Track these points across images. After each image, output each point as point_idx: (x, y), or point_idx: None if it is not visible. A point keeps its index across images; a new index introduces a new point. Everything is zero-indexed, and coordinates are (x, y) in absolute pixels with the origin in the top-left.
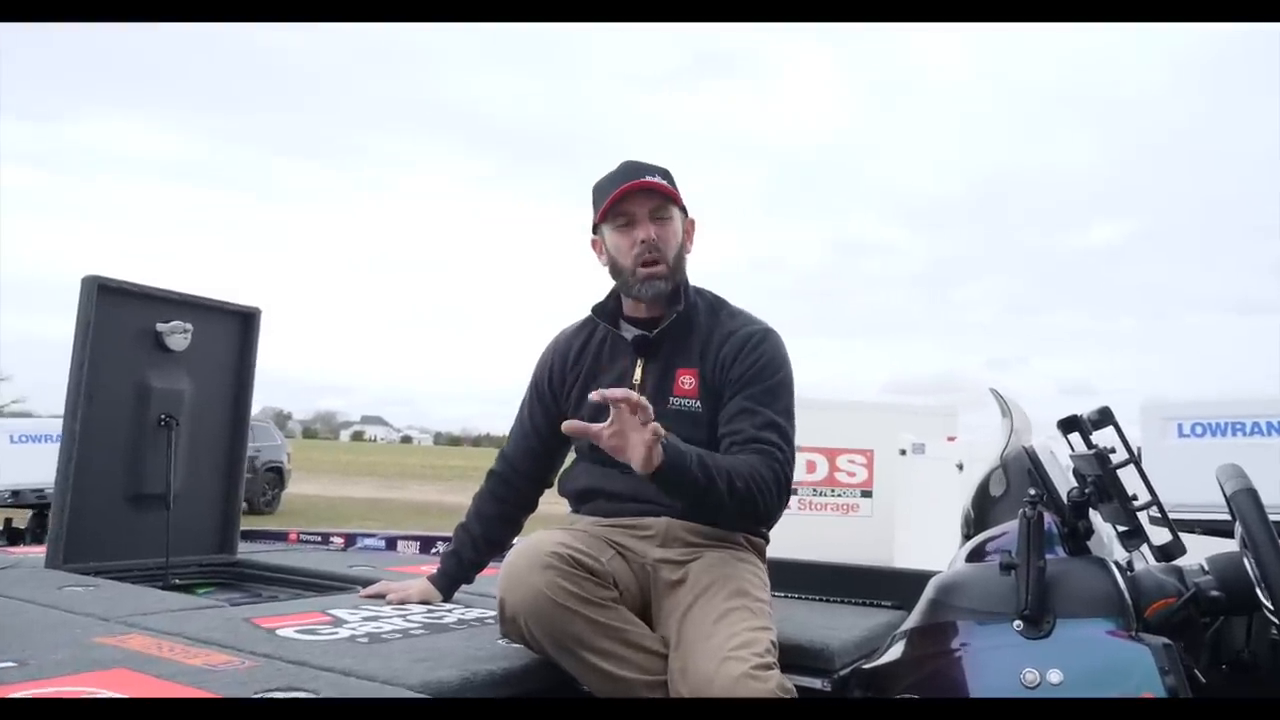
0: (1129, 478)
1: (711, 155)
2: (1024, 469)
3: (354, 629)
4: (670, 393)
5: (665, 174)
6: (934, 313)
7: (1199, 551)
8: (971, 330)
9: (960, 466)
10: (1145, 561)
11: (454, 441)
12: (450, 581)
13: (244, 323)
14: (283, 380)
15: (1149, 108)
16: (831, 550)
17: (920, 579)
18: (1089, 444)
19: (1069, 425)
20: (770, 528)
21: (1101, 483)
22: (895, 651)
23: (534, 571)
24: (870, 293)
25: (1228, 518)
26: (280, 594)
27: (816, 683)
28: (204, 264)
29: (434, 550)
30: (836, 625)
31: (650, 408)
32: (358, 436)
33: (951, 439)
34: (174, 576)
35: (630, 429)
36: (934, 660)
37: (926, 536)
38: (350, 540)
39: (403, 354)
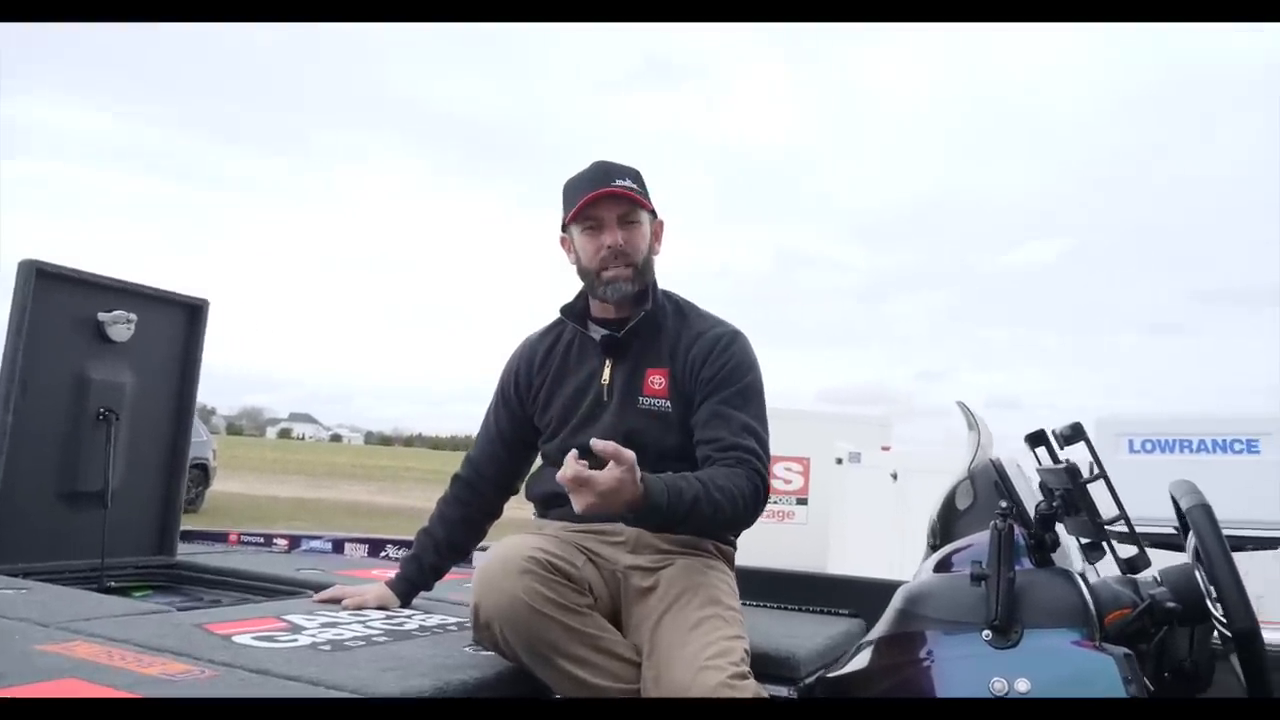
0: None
1: (661, 159)
2: (991, 481)
3: (313, 636)
4: (640, 392)
5: (636, 176)
6: (869, 325)
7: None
8: (905, 342)
9: (895, 476)
10: (1096, 574)
11: (385, 441)
12: (409, 586)
13: (191, 315)
14: (208, 373)
15: (1084, 135)
16: (766, 557)
17: (877, 588)
18: (1055, 459)
19: (1036, 440)
20: (737, 534)
21: (1070, 496)
22: (861, 660)
23: (510, 576)
24: (809, 303)
25: (1173, 531)
26: (223, 598)
27: (782, 690)
28: (136, 251)
29: (383, 554)
30: (798, 633)
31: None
32: (285, 434)
33: (886, 449)
34: (109, 579)
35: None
36: (903, 669)
37: (861, 544)
38: (295, 542)
39: (337, 350)
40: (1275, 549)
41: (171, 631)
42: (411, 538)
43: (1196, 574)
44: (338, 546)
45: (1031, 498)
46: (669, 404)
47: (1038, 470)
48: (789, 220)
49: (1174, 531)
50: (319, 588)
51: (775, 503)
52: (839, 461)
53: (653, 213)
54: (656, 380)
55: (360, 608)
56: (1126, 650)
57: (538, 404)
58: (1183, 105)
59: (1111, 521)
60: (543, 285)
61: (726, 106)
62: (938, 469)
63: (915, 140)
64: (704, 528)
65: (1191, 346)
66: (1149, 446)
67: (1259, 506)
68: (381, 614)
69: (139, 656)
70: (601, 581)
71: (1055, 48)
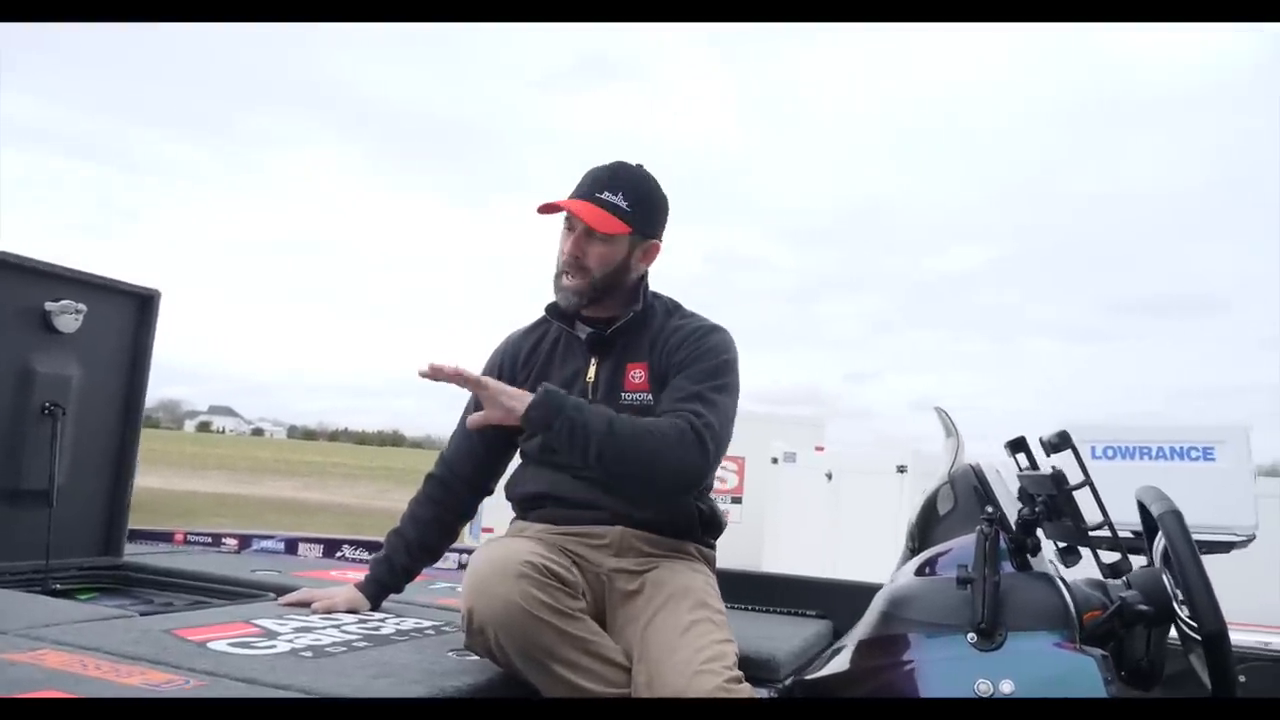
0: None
1: (594, 156)
2: (970, 486)
3: (291, 641)
4: (622, 388)
5: (634, 193)
6: (800, 327)
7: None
8: (834, 345)
9: (829, 476)
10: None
11: (309, 436)
12: (380, 588)
13: (141, 305)
14: None
15: (1010, 145)
16: None
17: (843, 589)
18: (1034, 464)
19: (1016, 446)
20: (708, 526)
21: (1054, 502)
22: (842, 662)
23: (505, 581)
24: (741, 305)
25: (1132, 535)
26: (175, 601)
27: (762, 692)
28: (49, 235)
29: (339, 554)
30: (774, 635)
31: (469, 375)
32: (204, 427)
33: (820, 449)
34: (54, 581)
35: (489, 404)
36: (886, 671)
37: (796, 543)
38: (245, 542)
39: (260, 342)
40: (1229, 552)
41: (141, 638)
42: (359, 537)
43: (1164, 577)
44: (291, 547)
45: (1009, 502)
46: (650, 396)
47: (1018, 476)
48: (722, 221)
49: (1133, 535)
50: (278, 589)
51: None
52: (774, 461)
53: (646, 234)
54: (637, 374)
55: (330, 611)
56: (1103, 652)
57: None
58: (1103, 119)
59: (1097, 527)
60: (475, 280)
61: (662, 106)
62: (870, 469)
63: (847, 145)
64: (609, 450)
65: (1106, 353)
66: (1110, 453)
67: (1215, 512)
68: (353, 618)
69: (115, 666)
70: (586, 584)
71: (984, 58)
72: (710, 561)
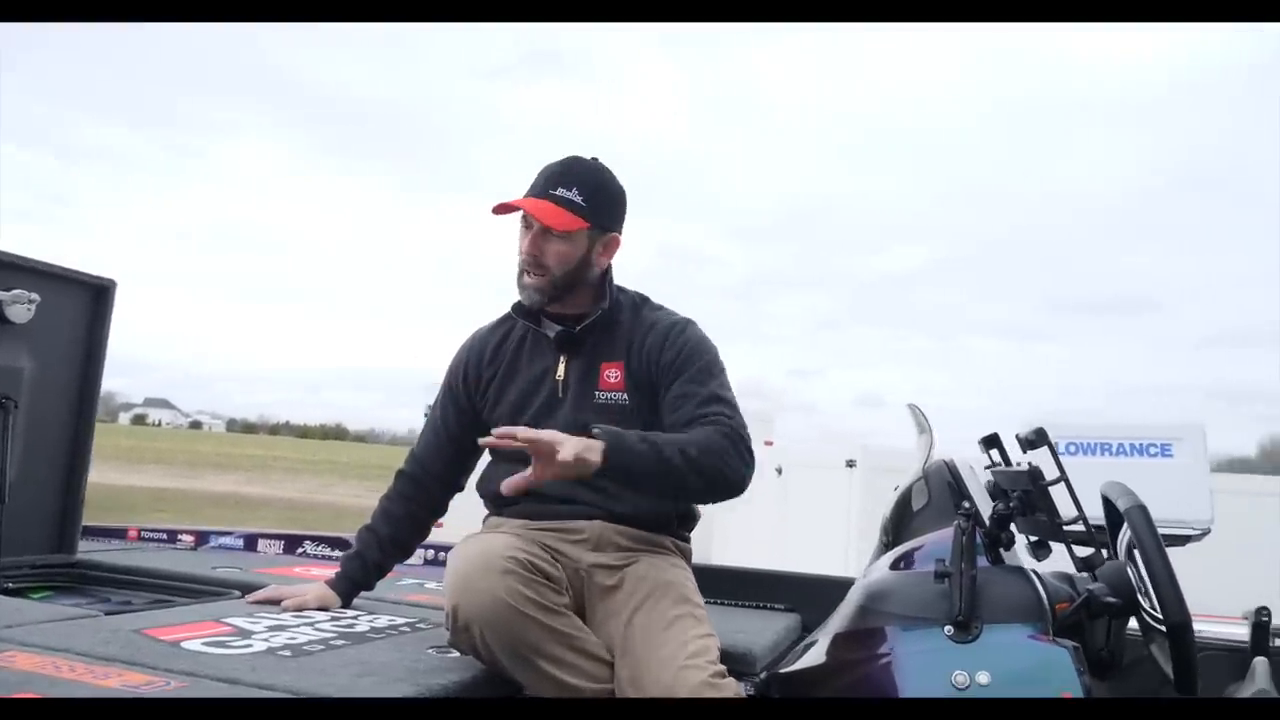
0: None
1: (548, 153)
2: (945, 482)
3: (266, 640)
4: (596, 387)
5: (588, 186)
6: (747, 323)
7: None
8: (779, 341)
9: (779, 471)
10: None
11: (249, 429)
12: (351, 585)
13: (96, 296)
14: None
15: (955, 147)
16: None
17: (811, 583)
18: (1007, 460)
19: (990, 442)
20: (684, 519)
21: (1029, 497)
22: (817, 655)
23: (490, 577)
24: (690, 300)
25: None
26: (133, 599)
27: (743, 686)
28: None
29: (300, 550)
30: (747, 629)
31: (539, 436)
32: (139, 420)
33: (769, 443)
34: (6, 580)
35: (546, 464)
36: (864, 664)
37: (745, 537)
38: (202, 538)
39: (198, 333)
40: (1185, 545)
41: (111, 638)
42: (321, 533)
43: (1128, 570)
44: (250, 543)
45: (982, 497)
46: (625, 396)
47: (992, 472)
48: (673, 217)
49: (1093, 529)
50: (243, 587)
51: None
52: None
53: (603, 228)
54: (612, 374)
55: (301, 608)
56: (1075, 643)
57: (487, 399)
58: (1045, 124)
59: (1071, 522)
60: (422, 271)
61: (613, 101)
62: (819, 464)
63: (797, 144)
64: (685, 478)
65: (1046, 351)
66: (1072, 449)
67: (1172, 507)
68: (326, 616)
69: (89, 668)
70: (566, 580)
71: (932, 61)
72: (687, 555)
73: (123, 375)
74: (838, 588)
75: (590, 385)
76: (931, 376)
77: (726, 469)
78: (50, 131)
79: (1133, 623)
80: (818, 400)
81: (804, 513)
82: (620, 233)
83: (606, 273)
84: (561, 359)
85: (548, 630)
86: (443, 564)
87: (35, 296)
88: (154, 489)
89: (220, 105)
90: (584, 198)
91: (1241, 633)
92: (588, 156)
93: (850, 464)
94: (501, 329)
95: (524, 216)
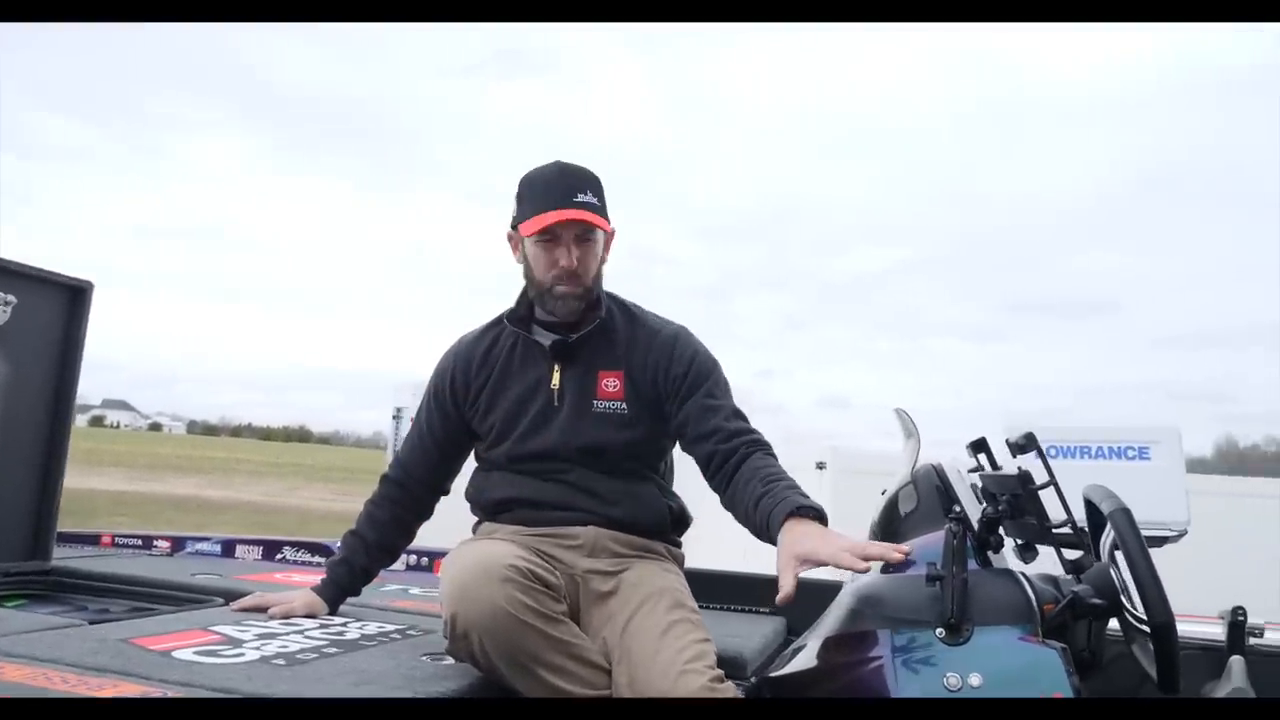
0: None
1: (514, 152)
2: (933, 485)
3: (258, 649)
4: (594, 396)
5: (597, 186)
6: (713, 323)
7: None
8: (745, 342)
9: None
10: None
11: (210, 431)
12: (338, 592)
13: (73, 297)
14: None
15: (921, 150)
16: None
17: (798, 587)
18: (994, 464)
19: (978, 447)
20: (676, 524)
21: (1018, 500)
22: (808, 659)
23: (490, 585)
24: (658, 300)
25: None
26: (111, 607)
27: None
28: None
29: (279, 556)
30: (737, 632)
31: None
32: (97, 422)
33: None
34: None
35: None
36: (856, 667)
37: (717, 540)
38: (178, 544)
39: (158, 332)
40: (1162, 546)
41: (99, 648)
42: (300, 538)
43: (1111, 572)
44: (228, 549)
45: (970, 501)
46: (624, 405)
47: (980, 476)
48: (641, 217)
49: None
50: (225, 594)
51: None
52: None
53: (609, 228)
54: (610, 383)
55: (289, 616)
56: (1063, 645)
57: (477, 409)
58: (1007, 126)
59: (1060, 525)
60: (387, 270)
61: (579, 101)
62: (789, 466)
63: (764, 144)
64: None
65: (1007, 352)
66: (1052, 452)
67: (1150, 509)
68: (314, 623)
69: (81, 678)
70: (562, 586)
71: (895, 63)
72: (680, 561)
73: (80, 375)
74: (822, 591)
75: (588, 394)
76: (897, 377)
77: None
78: (13, 130)
79: (1112, 623)
80: (784, 401)
81: None
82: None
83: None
84: (556, 367)
85: (547, 638)
86: (425, 569)
87: (11, 298)
88: (114, 492)
89: (188, 103)
90: (599, 199)
91: (1216, 631)
92: (556, 159)
93: (820, 466)
94: (489, 335)
95: (545, 231)
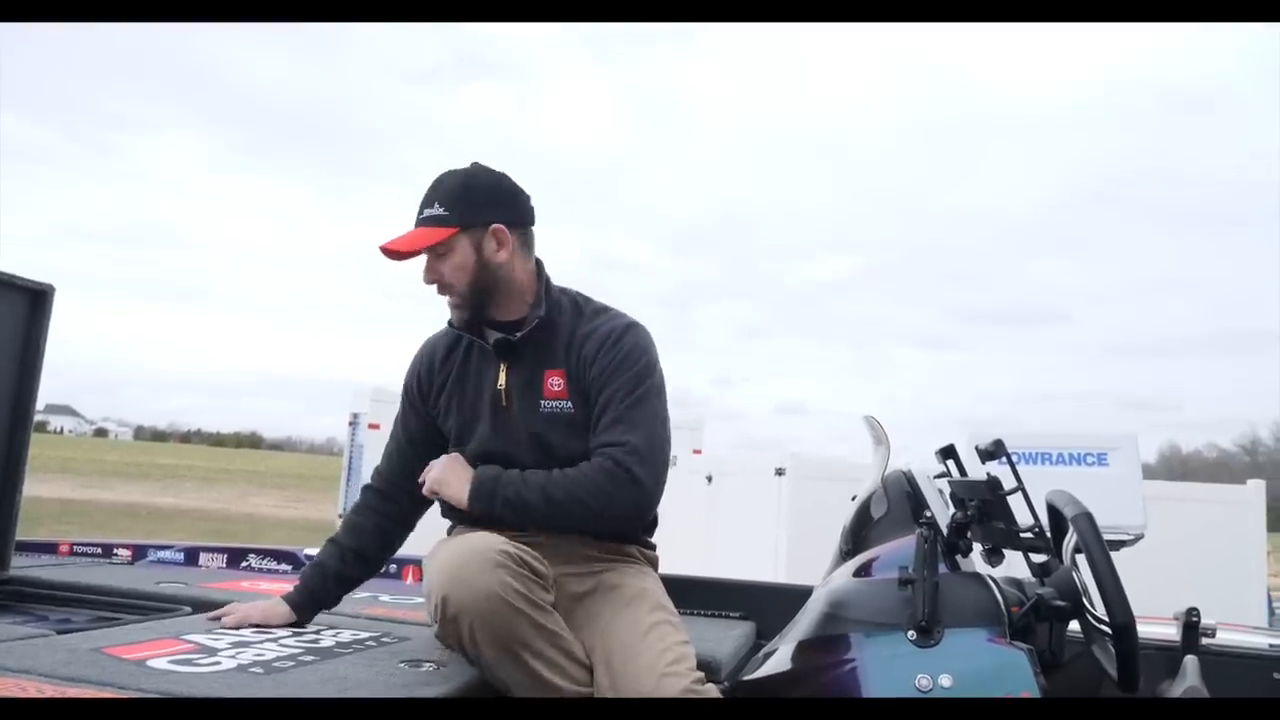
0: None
1: (474, 154)
2: (903, 491)
3: (234, 657)
4: (540, 395)
5: (449, 195)
6: (672, 331)
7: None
8: (704, 350)
9: (709, 479)
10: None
11: (159, 437)
12: (310, 597)
13: (32, 301)
14: None
15: (879, 158)
16: None
17: (767, 591)
18: (963, 470)
19: (947, 453)
20: (646, 526)
21: (987, 506)
22: (781, 662)
23: (485, 570)
24: (619, 307)
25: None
26: (72, 617)
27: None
28: None
29: (244, 564)
30: (706, 636)
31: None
32: (40, 428)
33: (698, 452)
34: None
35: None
36: (828, 670)
37: (676, 545)
38: (139, 552)
39: (104, 336)
40: (1119, 550)
41: (71, 658)
42: (265, 545)
43: (1073, 575)
44: (191, 556)
45: (939, 506)
46: (570, 405)
47: (949, 481)
48: (599, 223)
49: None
50: (192, 602)
51: None
52: None
53: (482, 224)
54: (555, 382)
55: (264, 625)
56: (1030, 646)
57: (439, 409)
58: (962, 137)
59: (1028, 530)
60: (342, 276)
61: (538, 107)
62: (749, 472)
63: (724, 152)
64: (558, 518)
65: (960, 361)
66: (1014, 459)
67: (1108, 513)
68: (287, 631)
69: (59, 688)
70: (551, 576)
71: (851, 73)
72: (654, 564)
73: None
74: (791, 596)
75: (535, 394)
76: (852, 385)
77: (605, 506)
78: None
79: (1072, 626)
80: (743, 408)
81: (734, 520)
82: (506, 221)
83: (536, 273)
84: (503, 367)
85: (537, 627)
86: (395, 576)
87: None
88: (60, 499)
89: (140, 101)
90: (446, 207)
91: (1171, 632)
92: (464, 167)
93: (780, 472)
94: (451, 336)
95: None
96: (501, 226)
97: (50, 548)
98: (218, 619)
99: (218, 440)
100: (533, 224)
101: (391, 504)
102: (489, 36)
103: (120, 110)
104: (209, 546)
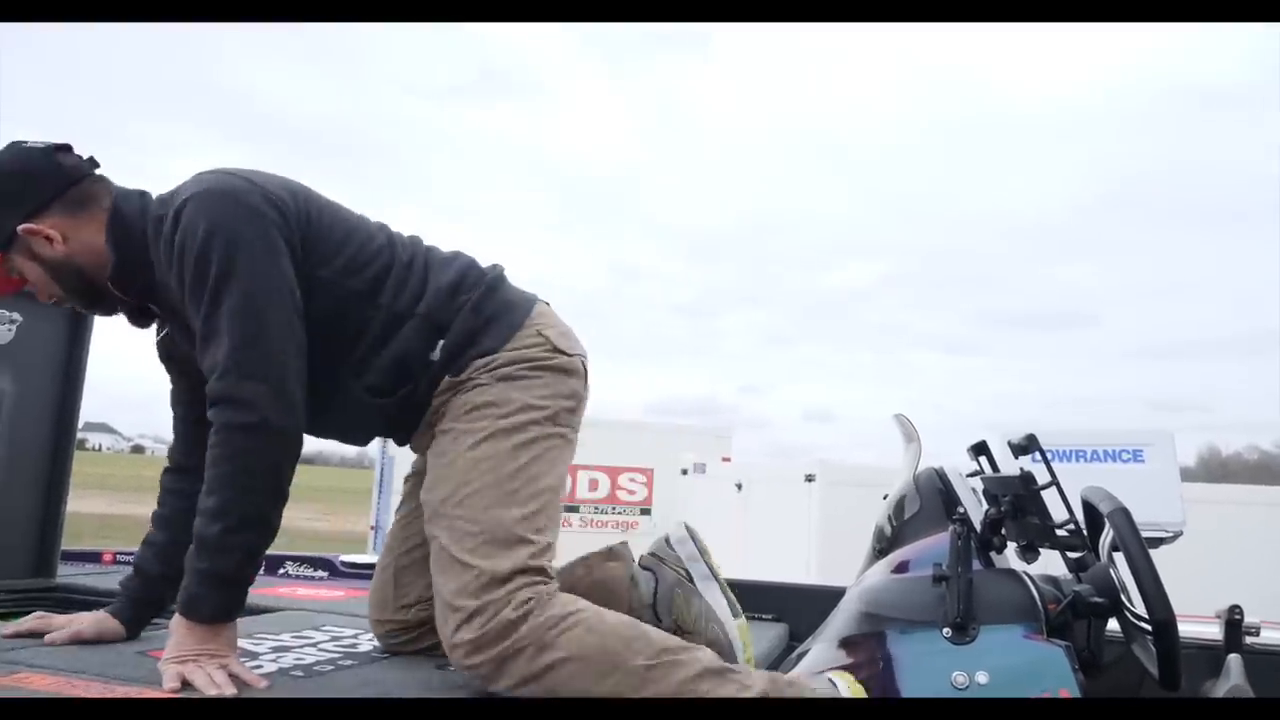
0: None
1: (499, 173)
2: (935, 488)
3: (275, 661)
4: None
5: None
6: (697, 340)
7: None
8: (728, 358)
9: (739, 486)
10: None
11: None
12: (131, 603)
13: (73, 321)
14: None
15: (896, 164)
16: None
17: (800, 592)
18: (995, 467)
19: (979, 450)
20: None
21: (1020, 501)
22: (816, 662)
23: None
24: (641, 317)
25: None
26: None
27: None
28: None
29: (281, 571)
30: None
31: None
32: (79, 445)
33: (727, 459)
34: None
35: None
36: (866, 668)
37: (714, 548)
38: None
39: (139, 353)
40: (1158, 547)
41: (118, 660)
42: (301, 553)
43: (1110, 572)
44: None
45: (974, 503)
46: None
47: (982, 478)
48: (621, 234)
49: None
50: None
51: (621, 513)
52: (684, 472)
53: (11, 236)
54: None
55: (76, 640)
56: (1067, 643)
57: (175, 382)
58: (983, 140)
59: (1063, 525)
60: None
61: (557, 121)
62: (780, 479)
63: (743, 160)
64: (245, 537)
65: (984, 365)
66: (1050, 456)
67: (1147, 510)
68: (325, 635)
69: (108, 686)
70: None
71: (870, 78)
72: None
73: (83, 395)
74: (823, 597)
75: (194, 342)
76: (876, 390)
77: (256, 483)
78: None
79: (1111, 624)
80: (769, 416)
81: (764, 526)
82: (32, 213)
83: (107, 250)
84: (154, 327)
85: None
86: None
87: (16, 316)
88: (100, 515)
89: (168, 123)
90: None
91: (1213, 631)
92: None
93: (810, 478)
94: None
95: None
96: (32, 226)
97: (94, 557)
98: (36, 634)
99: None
100: (74, 182)
101: (190, 480)
102: (512, 55)
103: (148, 131)
104: (291, 556)
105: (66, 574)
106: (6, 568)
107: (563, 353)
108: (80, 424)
